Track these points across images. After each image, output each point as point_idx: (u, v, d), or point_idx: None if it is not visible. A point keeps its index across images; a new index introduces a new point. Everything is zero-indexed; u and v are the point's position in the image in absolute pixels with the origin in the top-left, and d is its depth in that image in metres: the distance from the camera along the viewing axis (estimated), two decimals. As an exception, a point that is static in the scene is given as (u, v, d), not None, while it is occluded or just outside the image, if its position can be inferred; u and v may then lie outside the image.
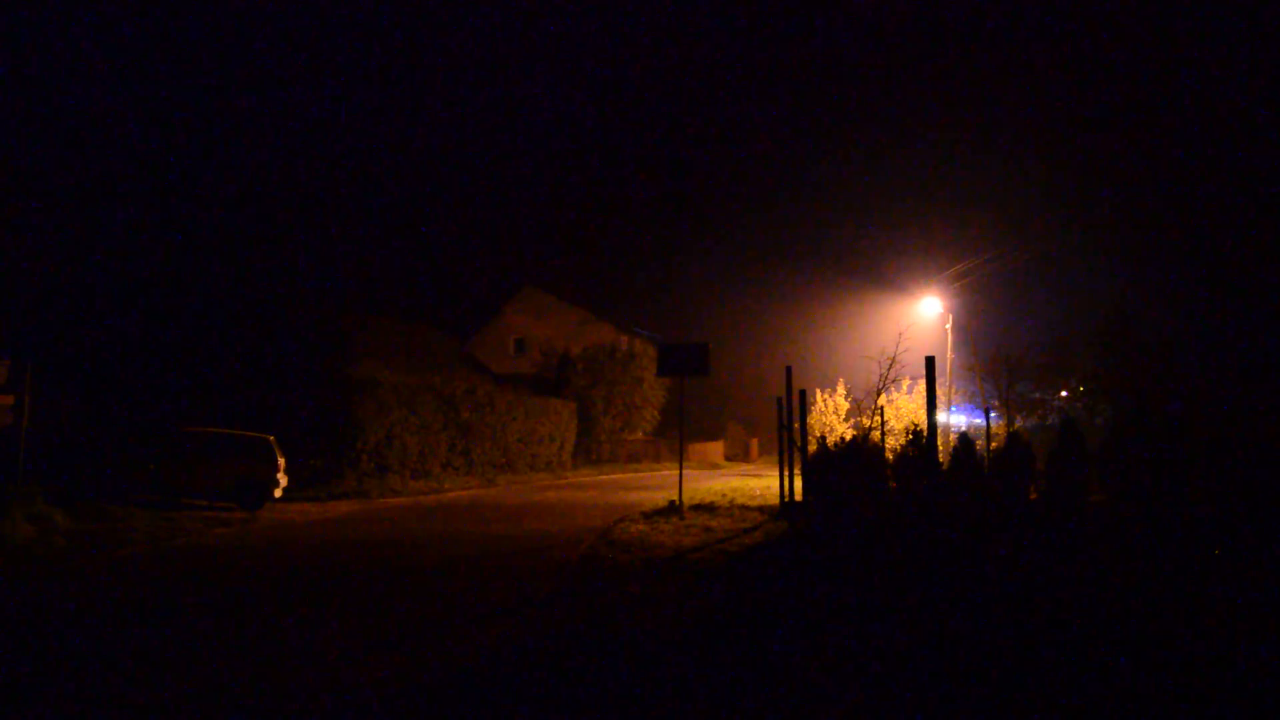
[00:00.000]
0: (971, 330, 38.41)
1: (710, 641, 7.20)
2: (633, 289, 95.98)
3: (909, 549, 10.33)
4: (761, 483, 28.12)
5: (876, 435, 17.38)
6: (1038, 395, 48.35)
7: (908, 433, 15.07)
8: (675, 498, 18.60)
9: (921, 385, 20.00)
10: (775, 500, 19.78)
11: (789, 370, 18.65)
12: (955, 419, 41.08)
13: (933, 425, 10.05)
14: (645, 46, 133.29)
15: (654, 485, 27.82)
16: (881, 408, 18.31)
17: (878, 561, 10.15)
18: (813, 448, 18.11)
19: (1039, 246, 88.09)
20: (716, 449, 52.24)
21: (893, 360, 17.35)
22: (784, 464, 18.80)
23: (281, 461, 18.58)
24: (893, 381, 18.07)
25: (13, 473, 15.25)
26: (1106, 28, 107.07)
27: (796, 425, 18.38)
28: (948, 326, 35.88)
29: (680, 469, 20.53)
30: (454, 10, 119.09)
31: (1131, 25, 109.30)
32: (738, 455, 55.28)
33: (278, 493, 18.41)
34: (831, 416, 26.23)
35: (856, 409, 21.97)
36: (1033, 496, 15.36)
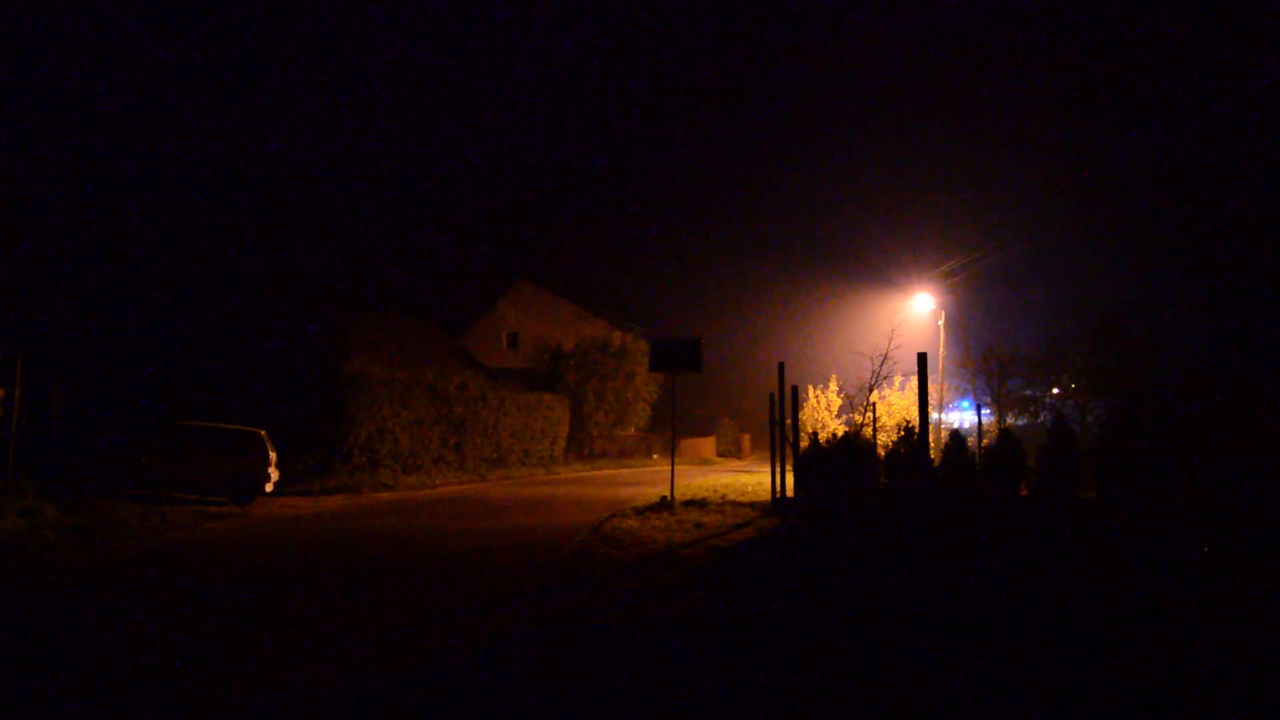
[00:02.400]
0: (964, 327, 38.45)
1: (701, 638, 7.21)
2: (626, 284, 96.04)
3: (900, 544, 10.37)
4: (753, 479, 28.15)
5: (868, 432, 17.41)
6: (1030, 393, 48.38)
7: (900, 429, 15.13)
8: (667, 493, 18.62)
9: (913, 382, 20.05)
10: (767, 496, 19.82)
11: (781, 366, 18.68)
12: (949, 416, 41.14)
13: (924, 422, 10.08)
14: (641, 42, 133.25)
15: (646, 481, 27.84)
16: (874, 404, 18.34)
17: (869, 557, 10.18)
18: (805, 444, 18.16)
19: (1032, 243, 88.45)
20: (708, 444, 52.29)
21: (885, 356, 17.38)
22: (776, 460, 18.83)
23: (273, 456, 18.55)
24: (885, 378, 18.12)
25: (3, 466, 15.20)
26: (1103, 26, 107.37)
27: (789, 421, 18.42)
28: (940, 323, 35.90)
29: (672, 465, 20.55)
30: (446, 5, 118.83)
31: (1127, 23, 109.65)
32: (729, 451, 55.36)
33: (269, 487, 18.38)
34: (824, 413, 26.29)
35: (849, 405, 21.99)
36: (1024, 493, 15.42)
